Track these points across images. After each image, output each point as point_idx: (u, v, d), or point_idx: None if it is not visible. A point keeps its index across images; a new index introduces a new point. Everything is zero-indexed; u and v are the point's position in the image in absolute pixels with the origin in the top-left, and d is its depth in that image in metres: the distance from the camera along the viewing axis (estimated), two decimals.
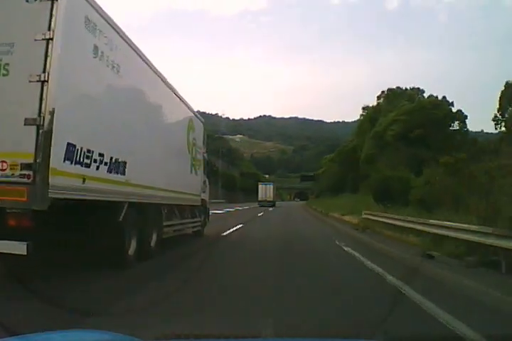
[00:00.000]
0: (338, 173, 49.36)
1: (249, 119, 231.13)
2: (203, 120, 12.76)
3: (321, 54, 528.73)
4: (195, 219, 11.94)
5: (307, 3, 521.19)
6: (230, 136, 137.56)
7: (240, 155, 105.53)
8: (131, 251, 6.69)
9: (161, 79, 8.12)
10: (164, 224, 8.51)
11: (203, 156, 13.10)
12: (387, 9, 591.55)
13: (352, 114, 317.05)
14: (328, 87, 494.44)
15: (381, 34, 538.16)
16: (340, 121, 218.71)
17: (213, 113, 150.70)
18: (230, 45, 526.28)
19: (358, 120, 52.58)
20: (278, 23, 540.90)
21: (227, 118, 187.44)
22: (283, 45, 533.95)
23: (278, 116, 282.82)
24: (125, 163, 6.20)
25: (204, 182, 13.23)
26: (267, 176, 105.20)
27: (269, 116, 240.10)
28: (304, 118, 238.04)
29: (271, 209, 42.11)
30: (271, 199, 53.04)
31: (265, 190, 53.71)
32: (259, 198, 53.24)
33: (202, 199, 12.58)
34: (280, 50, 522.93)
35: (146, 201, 7.25)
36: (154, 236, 7.85)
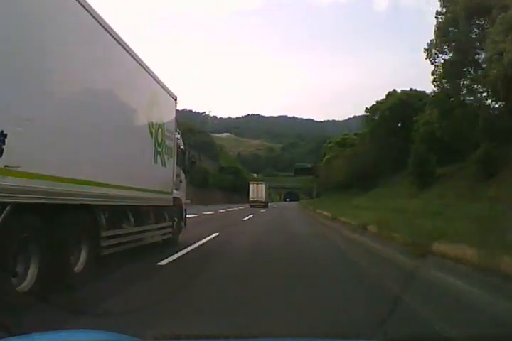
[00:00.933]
0: (368, 154, 30.54)
1: (236, 118, 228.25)
2: (175, 96, 9.93)
3: (312, 53, 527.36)
4: (164, 224, 9.24)
5: (296, 4, 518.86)
6: (217, 134, 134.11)
7: (225, 152, 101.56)
8: (26, 284, 3.97)
9: (96, 19, 5.34)
10: (104, 234, 5.76)
11: (177, 144, 10.38)
12: (380, 8, 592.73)
13: (342, 113, 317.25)
14: (318, 86, 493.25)
15: (373, 34, 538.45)
16: (330, 119, 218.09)
17: (200, 111, 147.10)
18: (217, 43, 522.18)
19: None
20: (268, 23, 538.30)
21: (215, 116, 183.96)
22: (272, 43, 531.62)
23: (267, 114, 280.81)
24: (2, 134, 3.50)
25: (177, 176, 10.52)
26: (255, 175, 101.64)
27: (258, 114, 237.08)
28: (294, 117, 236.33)
29: (247, 217, 24.08)
30: (263, 199, 50.03)
31: (256, 190, 50.44)
32: (251, 198, 50.18)
33: (175, 198, 9.89)
34: (269, 48, 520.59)
35: (55, 202, 4.46)
36: (83, 255, 5.13)
